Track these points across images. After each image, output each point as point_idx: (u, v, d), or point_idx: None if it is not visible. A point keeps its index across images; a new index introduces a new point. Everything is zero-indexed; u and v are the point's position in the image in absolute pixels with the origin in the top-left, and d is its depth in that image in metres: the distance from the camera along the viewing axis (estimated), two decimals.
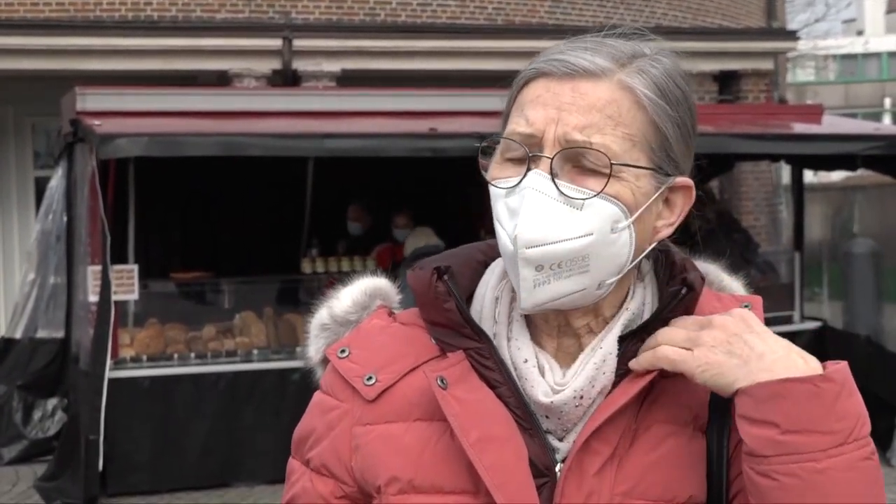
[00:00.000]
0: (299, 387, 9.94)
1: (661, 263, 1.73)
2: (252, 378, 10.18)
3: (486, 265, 1.77)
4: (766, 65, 17.78)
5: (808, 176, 17.00)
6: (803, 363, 1.52)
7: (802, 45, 25.70)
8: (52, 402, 11.13)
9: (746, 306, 1.71)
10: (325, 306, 1.85)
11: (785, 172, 16.78)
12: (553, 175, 1.58)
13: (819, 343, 10.97)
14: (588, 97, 1.59)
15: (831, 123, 13.10)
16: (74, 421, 9.97)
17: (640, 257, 1.65)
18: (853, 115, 34.28)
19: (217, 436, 9.96)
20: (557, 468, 1.61)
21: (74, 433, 9.78)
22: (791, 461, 1.48)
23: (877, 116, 48.50)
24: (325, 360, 1.81)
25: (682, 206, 1.69)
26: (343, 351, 1.75)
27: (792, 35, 19.10)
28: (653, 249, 1.70)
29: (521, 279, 1.58)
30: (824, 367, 1.52)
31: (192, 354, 10.32)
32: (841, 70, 55.81)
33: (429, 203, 12.56)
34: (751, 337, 1.56)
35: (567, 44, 1.67)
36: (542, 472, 1.60)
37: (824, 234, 16.24)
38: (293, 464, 1.79)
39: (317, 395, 1.80)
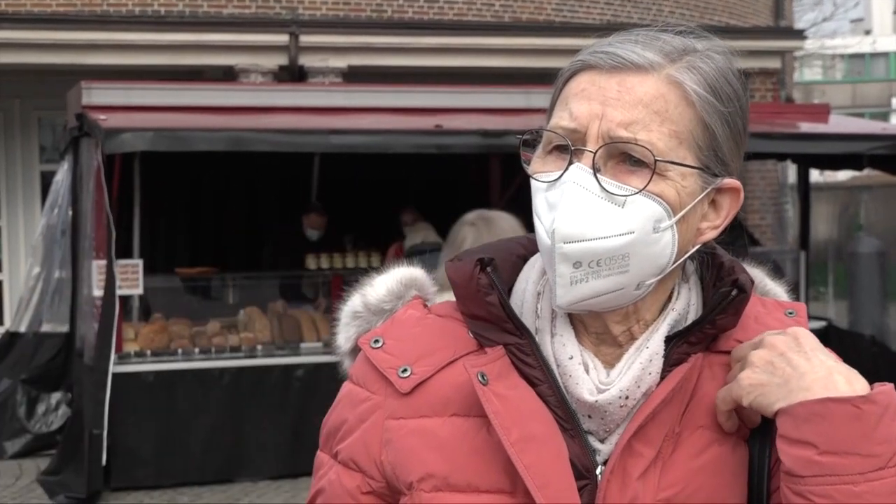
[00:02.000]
0: (303, 382, 9.95)
1: (706, 265, 1.68)
2: (256, 373, 10.17)
3: (525, 259, 1.72)
4: (774, 64, 17.74)
5: (815, 175, 16.98)
6: (845, 383, 1.48)
7: (810, 45, 25.68)
8: (56, 397, 11.14)
9: (790, 313, 1.69)
10: (358, 294, 1.80)
11: (791, 171, 16.77)
12: (595, 170, 1.53)
13: (824, 343, 10.91)
14: (634, 92, 1.55)
15: (838, 123, 13.09)
16: (78, 415, 9.97)
17: (682, 259, 1.61)
18: (860, 115, 34.25)
19: (221, 431, 9.96)
20: (598, 470, 1.57)
21: (78, 427, 9.78)
22: (827, 483, 1.44)
23: (884, 116, 48.43)
24: (354, 350, 1.76)
25: (728, 208, 1.64)
26: (377, 341, 1.68)
27: (799, 34, 19.07)
28: (698, 251, 1.66)
29: (557, 275, 1.54)
30: (872, 388, 1.48)
31: (197, 349, 10.32)
32: (848, 69, 55.72)
33: (434, 199, 12.55)
34: (796, 356, 1.52)
35: (616, 37, 1.62)
36: (583, 473, 1.56)
37: (830, 234, 16.22)
38: (321, 457, 1.73)
39: (346, 386, 1.73)
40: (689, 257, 1.64)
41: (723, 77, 1.62)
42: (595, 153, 1.53)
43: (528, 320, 1.64)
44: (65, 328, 11.20)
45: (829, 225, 16.22)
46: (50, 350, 11.19)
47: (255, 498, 9.58)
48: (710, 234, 1.64)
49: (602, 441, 1.59)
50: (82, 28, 14.44)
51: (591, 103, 1.55)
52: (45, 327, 11.27)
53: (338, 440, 1.69)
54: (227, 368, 10.13)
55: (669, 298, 1.65)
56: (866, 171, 13.29)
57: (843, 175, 21.97)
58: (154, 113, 10.47)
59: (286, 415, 9.80)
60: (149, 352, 10.14)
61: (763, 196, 17.29)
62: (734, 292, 1.60)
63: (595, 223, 1.52)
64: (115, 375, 9.48)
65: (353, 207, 13.57)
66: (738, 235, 11.56)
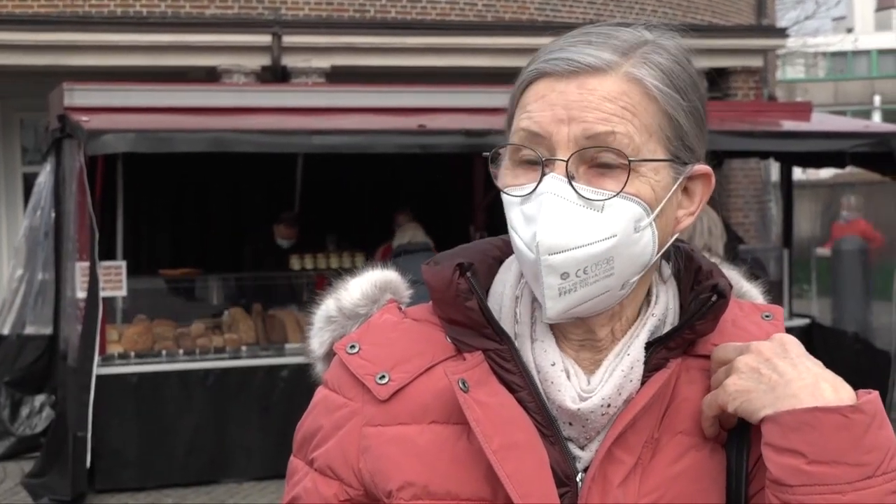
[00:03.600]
0: (288, 383, 9.94)
1: (684, 268, 1.68)
2: (240, 375, 10.16)
3: (500, 261, 1.70)
4: (756, 62, 17.79)
5: (797, 173, 17.01)
6: (831, 392, 1.48)
7: (792, 43, 25.71)
8: (39, 399, 11.10)
9: (767, 316, 1.69)
10: (332, 297, 1.77)
11: (774, 169, 16.80)
12: (570, 178, 1.52)
13: (807, 340, 10.98)
14: (598, 92, 1.53)
15: (820, 121, 13.11)
16: (62, 417, 9.94)
17: (664, 249, 1.60)
18: (843, 113, 34.33)
19: (205, 432, 9.94)
20: (579, 477, 1.56)
21: (62, 430, 9.75)
22: (815, 492, 1.43)
23: (866, 114, 48.51)
24: (329, 355, 1.73)
25: (701, 193, 1.65)
26: (353, 346, 1.66)
27: (781, 32, 19.11)
28: (675, 256, 1.66)
29: (545, 287, 1.52)
30: (858, 397, 1.48)
31: (181, 351, 10.30)
32: (830, 67, 55.88)
33: (419, 199, 12.55)
34: (782, 363, 1.52)
35: (566, 39, 1.60)
36: (564, 480, 1.55)
37: (813, 231, 16.26)
38: (296, 463, 1.70)
39: (321, 392, 1.70)
40: (665, 258, 1.65)
41: (678, 65, 1.62)
42: (567, 161, 1.52)
43: (506, 325, 1.62)
44: (48, 330, 11.16)
45: (813, 222, 16.26)
46: (33, 352, 11.15)
47: (240, 499, 9.56)
48: (687, 221, 1.63)
49: (582, 448, 1.58)
50: (64, 29, 14.41)
51: (554, 109, 1.54)
52: (29, 329, 11.23)
53: (313, 447, 1.67)
54: (212, 370, 10.11)
55: (648, 298, 1.65)
56: (849, 169, 13.31)
57: (826, 173, 22.03)
58: (136, 114, 10.44)
59: (271, 416, 9.78)
60: (133, 353, 10.11)
61: (746, 194, 17.33)
62: (714, 298, 1.60)
63: (577, 231, 1.51)
64: (99, 377, 9.45)
65: (336, 208, 13.58)
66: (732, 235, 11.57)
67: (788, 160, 13.14)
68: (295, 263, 11.90)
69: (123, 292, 10.26)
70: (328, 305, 1.76)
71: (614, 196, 1.52)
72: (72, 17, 14.57)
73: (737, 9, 19.38)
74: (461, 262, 1.64)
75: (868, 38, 56.71)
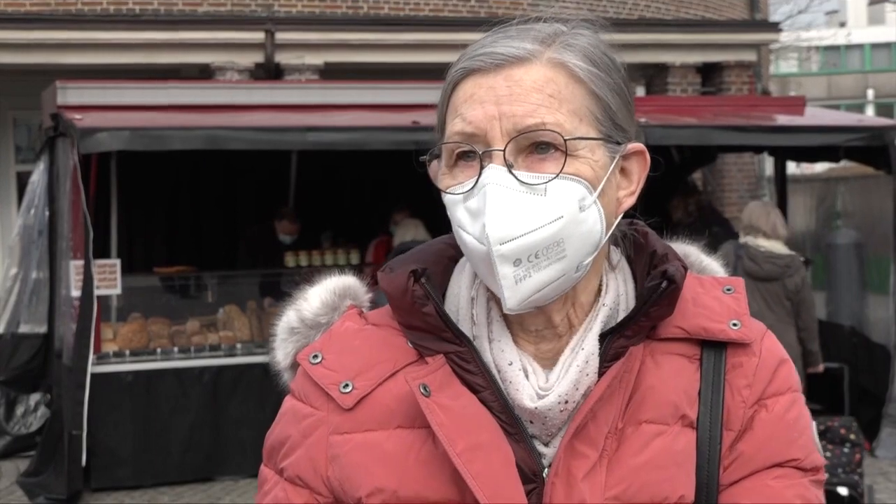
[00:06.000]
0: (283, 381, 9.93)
1: (635, 252, 1.69)
2: (236, 372, 10.15)
3: (455, 261, 1.71)
4: (749, 56, 17.78)
5: (791, 167, 17.01)
6: None
7: (785, 37, 25.74)
8: (34, 398, 11.09)
9: (728, 290, 1.70)
10: (292, 308, 1.78)
11: (768, 164, 16.80)
12: (509, 166, 1.53)
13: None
14: (524, 83, 1.55)
15: (814, 115, 13.11)
16: (57, 416, 9.93)
17: (611, 231, 1.61)
18: (836, 107, 34.33)
19: (201, 430, 9.94)
20: (545, 473, 1.56)
21: (57, 428, 9.74)
22: None
23: (860, 108, 48.59)
24: (294, 365, 1.74)
25: (638, 172, 1.66)
26: (316, 356, 1.67)
27: (775, 27, 19.12)
28: (623, 242, 1.67)
29: (500, 278, 1.52)
30: None
31: (176, 349, 10.30)
32: (824, 61, 55.84)
33: (413, 197, 12.54)
34: None
35: (487, 38, 1.64)
36: (530, 477, 1.55)
37: (807, 225, 16.23)
38: (265, 472, 1.71)
39: (288, 401, 1.71)
40: (613, 243, 1.66)
41: (597, 49, 1.63)
42: (504, 150, 1.53)
43: (465, 327, 1.63)
44: (43, 329, 11.14)
45: (807, 217, 16.24)
46: (28, 351, 11.13)
47: (235, 497, 9.56)
48: (629, 202, 1.65)
49: (546, 444, 1.59)
50: (57, 27, 14.38)
51: (484, 106, 1.56)
52: (23, 328, 11.21)
53: (282, 456, 1.68)
54: (207, 367, 10.11)
55: (600, 288, 1.65)
56: (843, 163, 13.32)
57: (820, 167, 22.03)
58: (130, 112, 10.43)
59: (266, 413, 9.77)
60: (128, 351, 10.11)
61: (740, 188, 17.32)
62: (664, 284, 1.60)
63: (524, 217, 1.52)
64: (94, 376, 9.45)
65: (331, 205, 13.56)
66: (729, 229, 11.59)
67: (782, 154, 13.16)
68: (290, 260, 11.89)
69: (118, 290, 10.25)
70: (289, 317, 1.78)
71: (554, 178, 1.53)
72: (64, 15, 14.54)
73: (730, 3, 19.38)
74: (415, 268, 1.64)
75: (861, 32, 56.78)
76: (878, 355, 11.08)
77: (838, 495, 7.67)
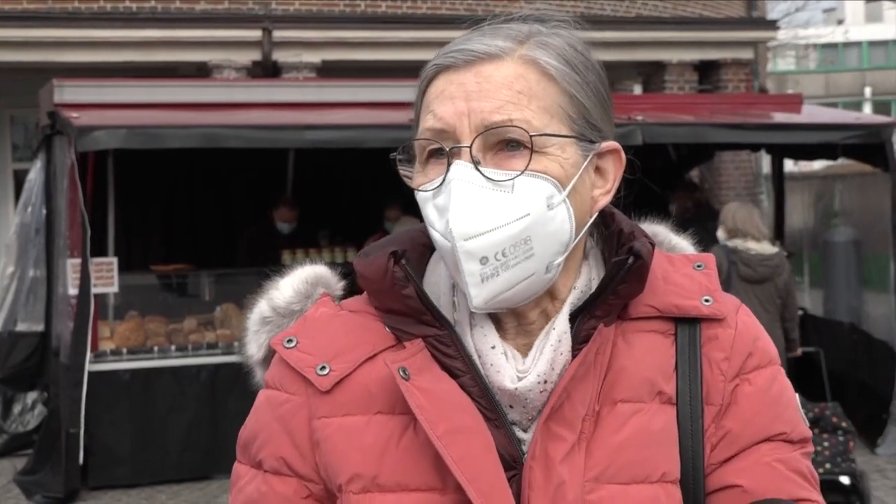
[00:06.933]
0: None
1: (606, 235, 1.68)
2: (233, 370, 10.12)
3: (430, 248, 1.70)
4: (747, 54, 17.77)
5: (789, 165, 17.02)
6: None
7: (783, 35, 25.75)
8: (32, 396, 11.09)
9: (699, 266, 1.70)
10: (263, 299, 1.77)
11: (765, 162, 16.80)
12: (476, 162, 1.53)
13: (801, 331, 10.98)
14: (494, 79, 1.55)
15: (811, 113, 13.11)
16: (54, 414, 9.93)
17: (584, 231, 1.61)
18: (833, 105, 34.37)
19: (198, 428, 9.93)
20: (524, 459, 1.55)
21: (55, 427, 9.74)
22: None
23: (857, 105, 48.61)
24: (267, 358, 1.72)
25: (614, 171, 1.65)
26: (290, 340, 1.65)
27: (772, 24, 19.11)
28: (595, 224, 1.66)
29: (466, 275, 1.52)
30: None
31: (173, 347, 10.29)
32: (821, 59, 55.89)
33: (409, 194, 12.52)
34: None
35: (464, 35, 1.64)
36: (511, 463, 1.55)
37: (805, 223, 16.24)
38: (239, 469, 1.69)
39: (262, 394, 1.69)
40: (588, 232, 1.65)
41: (572, 48, 1.63)
42: (471, 146, 1.53)
43: (445, 312, 1.62)
44: (40, 327, 11.14)
45: (804, 214, 16.25)
46: (25, 349, 11.13)
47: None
48: (604, 200, 1.64)
49: (525, 430, 1.58)
50: (54, 25, 14.37)
51: (454, 102, 1.56)
52: (21, 326, 11.20)
53: (258, 448, 1.65)
54: (204, 365, 10.10)
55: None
56: (840, 161, 13.31)
57: (818, 164, 22.04)
58: (127, 110, 10.42)
59: None
60: (125, 350, 10.09)
61: (738, 186, 17.33)
62: (630, 260, 1.59)
63: (489, 214, 1.52)
64: (91, 374, 9.44)
65: (328, 203, 13.56)
66: (709, 218, 11.56)
67: (779, 152, 13.15)
68: (287, 259, 11.87)
69: (115, 288, 10.24)
70: (261, 307, 1.77)
71: (520, 174, 1.53)
72: (61, 13, 14.53)
73: (727, 1, 19.38)
74: (395, 249, 1.64)
75: (858, 29, 56.77)
76: (879, 351, 11.07)
77: (840, 484, 7.71)
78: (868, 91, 52.55)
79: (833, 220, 15.61)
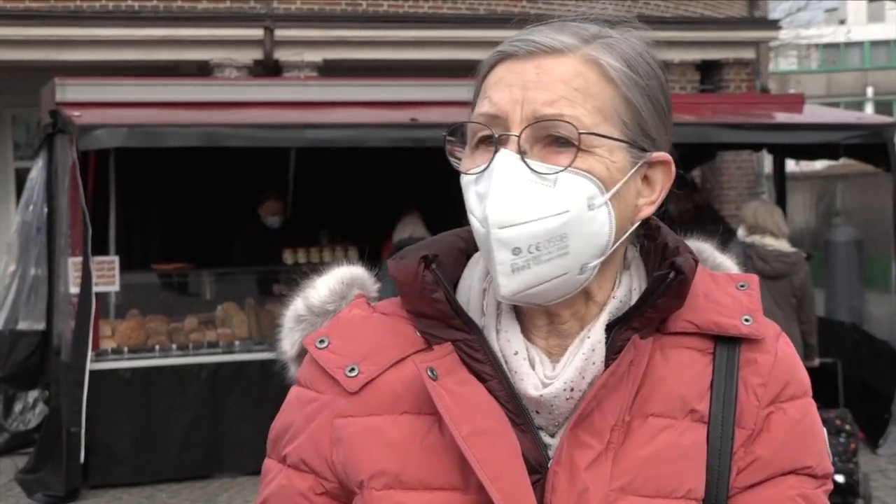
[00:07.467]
0: (281, 378, 9.85)
1: (649, 249, 1.67)
2: (234, 369, 10.15)
3: (467, 253, 1.70)
4: (748, 54, 17.77)
5: (791, 164, 17.02)
6: None
7: (784, 35, 25.74)
8: (33, 395, 11.09)
9: (742, 286, 1.69)
10: (300, 297, 1.78)
11: (767, 161, 16.80)
12: (522, 153, 1.53)
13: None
14: (553, 72, 1.55)
15: (813, 113, 13.11)
16: (56, 413, 9.93)
17: (623, 238, 1.60)
18: (835, 104, 34.33)
19: (199, 427, 9.93)
20: (549, 465, 1.55)
21: (56, 425, 9.74)
22: None
23: (859, 105, 48.59)
24: (300, 355, 1.74)
25: (662, 182, 1.64)
26: (322, 341, 1.67)
27: (774, 24, 19.10)
28: (641, 235, 1.66)
29: (497, 263, 1.52)
30: None
31: (174, 346, 10.29)
32: (823, 59, 55.91)
33: (412, 194, 12.54)
34: None
35: (532, 27, 1.64)
36: (536, 468, 1.54)
37: (806, 223, 16.26)
38: (269, 463, 1.71)
39: (294, 391, 1.72)
40: (630, 241, 1.64)
41: (638, 55, 1.62)
42: (520, 136, 1.53)
43: (474, 316, 1.63)
44: (41, 326, 11.15)
45: (806, 214, 16.26)
46: (26, 348, 11.13)
47: (233, 494, 9.55)
48: (648, 210, 1.63)
49: (552, 436, 1.58)
50: (56, 24, 14.37)
51: (511, 89, 1.55)
52: (22, 325, 11.21)
53: (285, 443, 1.67)
54: (205, 364, 10.10)
55: (615, 285, 1.64)
56: (842, 161, 13.32)
57: (819, 164, 22.04)
58: (128, 109, 10.43)
59: (264, 410, 9.74)
60: (126, 348, 10.10)
61: (739, 186, 17.32)
62: (672, 275, 1.58)
63: (528, 205, 1.51)
64: (92, 373, 9.45)
65: (329, 202, 13.55)
66: (725, 227, 11.59)
67: (781, 152, 13.15)
68: (288, 258, 11.88)
69: (116, 287, 10.25)
70: (297, 305, 1.78)
71: (563, 170, 1.52)
72: (63, 11, 14.53)
73: (729, 1, 19.36)
74: (426, 254, 1.64)
75: (860, 29, 56.80)
76: (881, 351, 11.06)
77: (834, 482, 7.71)
78: (870, 91, 52.53)
79: (834, 220, 15.63)
